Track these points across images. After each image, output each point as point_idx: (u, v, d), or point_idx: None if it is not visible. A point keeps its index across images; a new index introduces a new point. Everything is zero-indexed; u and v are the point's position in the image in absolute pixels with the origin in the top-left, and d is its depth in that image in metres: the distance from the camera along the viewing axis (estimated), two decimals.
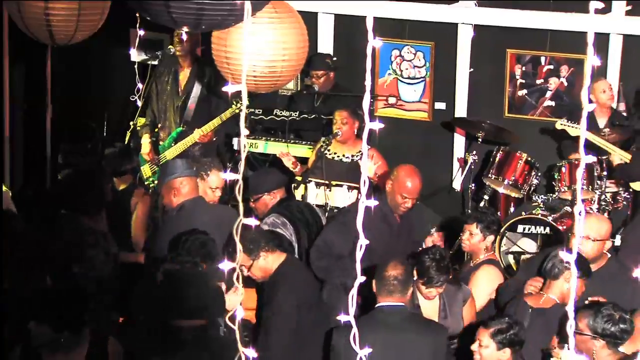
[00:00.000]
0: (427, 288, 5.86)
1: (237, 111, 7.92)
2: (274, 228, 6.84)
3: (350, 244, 6.05)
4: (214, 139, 8.43)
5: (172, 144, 8.43)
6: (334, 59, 9.31)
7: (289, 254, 6.25)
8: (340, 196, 7.77)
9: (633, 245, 7.29)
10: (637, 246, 7.08)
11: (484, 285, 6.37)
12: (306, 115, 8.84)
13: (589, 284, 5.49)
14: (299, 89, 9.98)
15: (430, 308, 6.01)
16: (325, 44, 10.04)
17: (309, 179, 7.83)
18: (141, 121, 8.60)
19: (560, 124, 8.07)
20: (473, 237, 6.50)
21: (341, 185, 7.75)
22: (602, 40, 8.89)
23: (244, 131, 2.68)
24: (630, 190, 8.29)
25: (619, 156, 7.96)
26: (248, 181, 7.27)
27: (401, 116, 10.10)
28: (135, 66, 6.18)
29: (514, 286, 6.09)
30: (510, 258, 8.34)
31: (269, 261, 5.98)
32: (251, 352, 2.64)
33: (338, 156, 8.01)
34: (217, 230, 6.09)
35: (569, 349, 4.63)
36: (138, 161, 8.38)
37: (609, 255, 6.20)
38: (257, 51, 4.72)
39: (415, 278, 5.80)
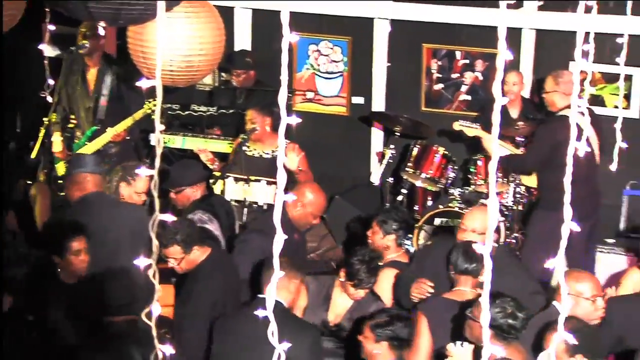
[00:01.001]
0: (356, 289, 5.89)
1: (148, 111, 7.85)
2: (202, 224, 6.79)
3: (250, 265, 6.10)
4: (127, 138, 8.32)
5: (87, 143, 8.30)
6: (252, 58, 9.27)
7: (213, 248, 6.24)
8: (259, 191, 7.76)
9: (533, 240, 7.45)
10: (538, 241, 7.23)
11: (386, 289, 6.23)
12: (224, 111, 8.81)
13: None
14: (216, 84, 9.94)
15: (341, 305, 6.04)
16: (243, 39, 10.02)
17: (227, 174, 7.79)
18: (54, 118, 8.43)
19: (459, 124, 8.10)
20: (374, 235, 6.53)
21: (259, 180, 7.74)
22: (515, 35, 9.05)
23: (159, 126, 2.66)
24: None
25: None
26: (170, 173, 7.22)
27: (319, 111, 10.14)
28: (46, 61, 6.07)
29: (404, 279, 6.05)
30: None
31: (198, 255, 5.97)
32: (168, 349, 2.63)
33: (258, 153, 8.00)
34: (123, 225, 6.13)
35: (462, 345, 4.72)
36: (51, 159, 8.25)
37: (497, 245, 6.23)
38: (174, 46, 4.69)
39: (343, 279, 5.83)
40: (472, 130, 7.95)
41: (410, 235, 8.48)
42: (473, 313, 4.72)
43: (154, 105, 7.21)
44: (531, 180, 8.24)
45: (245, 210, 7.65)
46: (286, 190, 2.64)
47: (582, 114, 4.38)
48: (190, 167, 7.53)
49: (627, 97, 9.06)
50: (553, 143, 7.19)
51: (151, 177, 2.64)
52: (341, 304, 6.07)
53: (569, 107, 7.37)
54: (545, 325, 4.93)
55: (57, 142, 8.35)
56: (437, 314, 5.38)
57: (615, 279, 7.05)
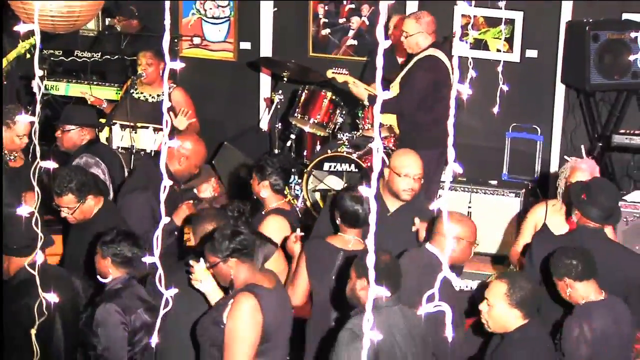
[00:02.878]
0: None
1: (22, 51, 7.63)
2: (87, 168, 6.65)
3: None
4: (5, 83, 8.10)
5: None
6: (136, 5, 9.13)
7: (106, 198, 6.14)
8: (146, 138, 7.68)
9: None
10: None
11: (272, 236, 5.75)
12: (109, 57, 8.67)
13: None
14: (100, 29, 9.75)
15: None
16: None
17: (114, 120, 7.68)
18: None
19: (331, 72, 8.02)
20: (253, 182, 6.22)
21: (147, 127, 7.65)
22: None
23: (39, 72, 2.60)
24: None
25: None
26: (63, 111, 7.07)
27: (206, 56, 10.05)
28: None
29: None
30: (317, 196, 8.48)
31: (92, 205, 5.87)
32: (53, 297, 2.61)
33: (144, 96, 7.90)
34: None
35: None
36: None
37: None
38: None
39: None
40: (341, 76, 7.91)
41: (299, 180, 8.54)
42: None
43: (29, 44, 7.01)
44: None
45: (133, 157, 7.57)
46: (171, 135, 2.62)
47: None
48: (83, 110, 7.33)
49: (509, 40, 9.23)
50: (428, 84, 7.28)
51: (32, 123, 2.59)
52: None
53: (432, 46, 7.43)
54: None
55: None
56: (316, 254, 5.51)
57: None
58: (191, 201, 6.32)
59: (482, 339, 5.38)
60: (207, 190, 6.71)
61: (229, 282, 4.94)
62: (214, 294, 5.09)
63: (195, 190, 6.74)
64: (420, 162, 5.86)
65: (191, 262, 5.00)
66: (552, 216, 6.10)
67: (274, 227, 5.94)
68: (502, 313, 4.87)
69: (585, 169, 6.14)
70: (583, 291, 5.03)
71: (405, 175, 5.82)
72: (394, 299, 4.64)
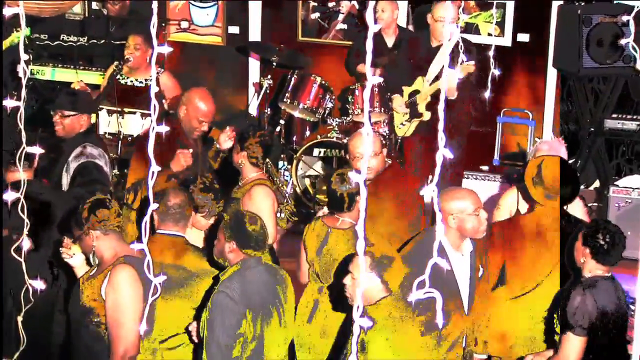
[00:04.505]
0: (206, 219, 5.80)
1: (16, 40, 7.62)
2: (91, 159, 6.59)
3: None
4: None
5: None
6: None
7: None
8: (133, 123, 7.67)
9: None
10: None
11: (257, 202, 6.11)
12: (96, 41, 8.63)
13: None
14: (87, 13, 9.70)
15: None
16: None
17: (100, 106, 7.66)
18: None
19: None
20: (235, 150, 6.40)
21: (134, 113, 7.64)
22: None
23: (24, 56, 2.60)
24: None
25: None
26: (61, 96, 6.96)
27: (195, 41, 10.02)
28: None
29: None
30: (307, 181, 8.49)
31: None
32: (39, 284, 2.61)
33: (131, 81, 7.88)
34: None
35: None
36: None
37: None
38: None
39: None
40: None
41: (289, 166, 8.55)
42: None
43: (19, 33, 7.01)
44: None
45: (120, 143, 7.55)
46: (159, 121, 2.63)
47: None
48: (84, 96, 7.18)
49: (501, 25, 9.23)
50: None
51: (17, 108, 2.59)
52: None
53: None
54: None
55: None
56: (313, 231, 5.64)
57: (494, 201, 7.26)
58: (189, 150, 6.41)
59: None
60: (226, 141, 6.82)
61: (95, 255, 5.11)
62: (80, 269, 5.29)
63: (216, 144, 6.86)
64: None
65: (65, 237, 5.14)
66: (522, 200, 6.13)
67: (262, 195, 6.12)
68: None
69: (546, 150, 6.17)
70: (594, 267, 5.09)
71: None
72: (258, 259, 4.98)
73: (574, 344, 5.05)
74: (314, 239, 5.62)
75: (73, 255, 5.28)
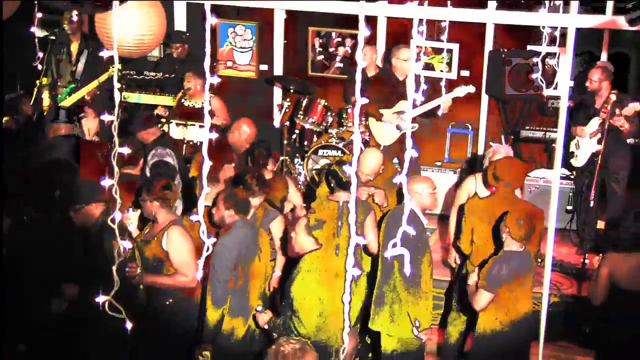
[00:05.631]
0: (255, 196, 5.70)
1: (112, 74, 7.61)
2: (162, 158, 6.57)
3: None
4: (98, 93, 8.06)
5: (67, 97, 8.04)
6: (188, 34, 9.07)
7: None
8: (194, 132, 7.66)
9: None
10: None
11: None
12: (167, 75, 8.60)
13: None
14: (162, 56, 9.67)
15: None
16: (180, 23, 9.75)
17: (171, 120, 7.69)
18: (45, 81, 8.18)
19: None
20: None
21: (194, 125, 7.64)
22: (372, 20, 9.07)
23: (117, 85, 2.58)
24: None
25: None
26: (137, 117, 7.06)
27: (236, 75, 9.98)
28: (36, 39, 5.85)
29: None
30: (314, 173, 8.48)
31: None
32: (127, 244, 2.56)
33: (192, 104, 7.85)
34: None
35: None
36: None
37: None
38: (130, 27, 4.62)
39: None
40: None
41: (302, 162, 8.53)
42: None
43: (114, 69, 7.02)
44: None
45: (185, 145, 7.55)
46: (211, 130, 2.62)
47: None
48: (149, 114, 7.47)
49: (449, 64, 9.19)
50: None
51: (111, 121, 2.57)
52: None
53: None
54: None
55: (46, 98, 8.11)
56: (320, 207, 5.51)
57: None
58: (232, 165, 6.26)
59: None
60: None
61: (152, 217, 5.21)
62: (134, 232, 5.38)
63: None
64: None
65: (124, 212, 5.10)
66: (479, 185, 6.10)
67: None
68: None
69: (502, 152, 6.14)
70: (511, 243, 5.00)
71: None
72: (243, 220, 5.04)
73: (484, 296, 4.99)
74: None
75: (130, 224, 5.36)
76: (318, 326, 4.92)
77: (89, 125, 6.78)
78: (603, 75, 7.18)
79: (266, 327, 5.05)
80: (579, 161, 7.43)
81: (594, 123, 7.22)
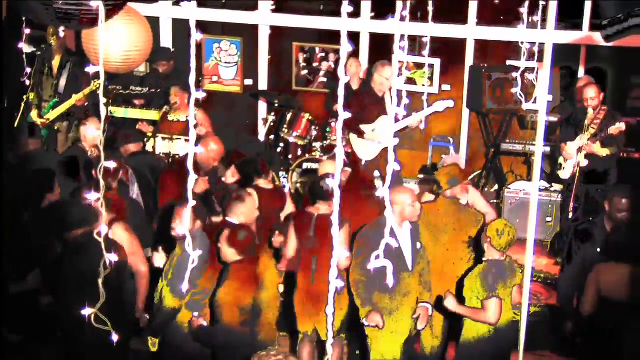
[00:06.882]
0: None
1: (94, 88, 7.59)
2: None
3: None
4: (86, 104, 8.01)
5: (51, 110, 8.02)
6: (173, 50, 9.07)
7: None
8: (179, 146, 7.64)
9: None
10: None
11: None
12: (153, 90, 8.60)
13: None
14: (148, 71, 9.67)
15: None
16: (166, 39, 9.75)
17: (157, 134, 7.68)
18: (32, 96, 8.12)
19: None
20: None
21: (180, 138, 7.63)
22: (355, 35, 9.13)
23: (103, 100, 2.59)
24: None
25: None
26: (122, 135, 7.05)
27: (222, 89, 9.99)
28: (24, 55, 5.83)
29: None
30: (298, 185, 8.49)
31: None
32: (113, 257, 2.57)
33: (177, 118, 7.84)
34: None
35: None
36: None
37: None
38: (117, 44, 4.64)
39: None
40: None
41: (286, 175, 8.53)
42: None
43: (99, 83, 6.99)
44: None
45: (170, 159, 7.53)
46: (196, 144, 2.62)
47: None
48: (134, 133, 7.47)
49: (431, 78, 9.25)
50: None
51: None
52: None
53: None
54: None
55: (34, 114, 8.05)
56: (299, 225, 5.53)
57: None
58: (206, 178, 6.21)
59: None
60: (232, 177, 6.48)
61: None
62: None
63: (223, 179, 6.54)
64: None
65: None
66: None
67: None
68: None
69: (451, 161, 6.22)
70: (492, 252, 5.01)
71: None
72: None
73: (493, 304, 4.98)
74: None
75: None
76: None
77: (87, 134, 6.54)
78: (597, 91, 7.23)
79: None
80: (566, 173, 7.43)
81: (581, 139, 7.23)
